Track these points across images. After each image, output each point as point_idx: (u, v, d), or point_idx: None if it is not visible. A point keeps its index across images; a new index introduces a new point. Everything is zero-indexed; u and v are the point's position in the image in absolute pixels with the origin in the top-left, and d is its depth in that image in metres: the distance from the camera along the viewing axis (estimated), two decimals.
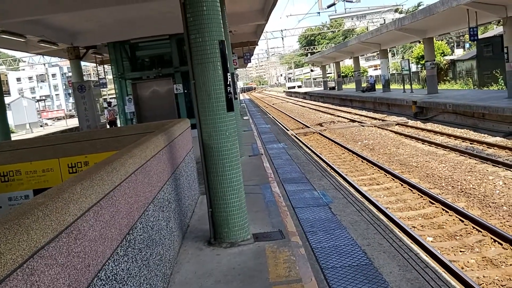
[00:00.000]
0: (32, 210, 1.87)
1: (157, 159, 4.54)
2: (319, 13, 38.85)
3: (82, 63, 19.21)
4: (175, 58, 16.68)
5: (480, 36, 22.12)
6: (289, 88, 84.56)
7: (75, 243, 2.18)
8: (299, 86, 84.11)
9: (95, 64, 25.19)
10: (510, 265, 5.94)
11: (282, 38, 50.43)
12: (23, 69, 76.10)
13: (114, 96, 21.34)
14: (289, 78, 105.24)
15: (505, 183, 9.43)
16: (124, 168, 3.26)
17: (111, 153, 5.77)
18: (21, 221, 1.74)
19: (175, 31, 15.74)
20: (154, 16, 14.14)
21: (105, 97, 35.66)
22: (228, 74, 5.21)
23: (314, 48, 74.48)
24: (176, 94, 16.72)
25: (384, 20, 49.17)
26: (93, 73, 59.41)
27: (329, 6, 32.74)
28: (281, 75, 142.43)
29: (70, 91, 79.91)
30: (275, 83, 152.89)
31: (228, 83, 5.18)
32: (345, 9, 38.14)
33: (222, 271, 4.48)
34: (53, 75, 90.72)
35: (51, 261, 1.90)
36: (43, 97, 71.24)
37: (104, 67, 24.20)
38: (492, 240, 6.75)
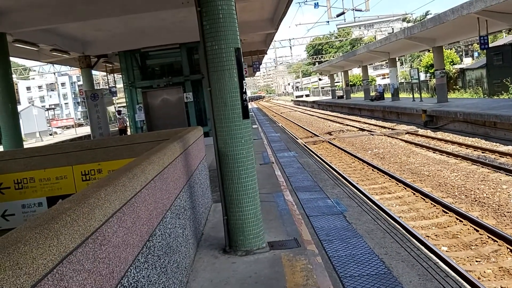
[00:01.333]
0: (61, 215, 1.85)
1: (173, 166, 4.53)
2: (328, 22, 39.02)
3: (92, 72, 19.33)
4: (185, 67, 16.77)
5: (490, 45, 22.02)
6: (297, 97, 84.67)
7: (100, 249, 2.16)
8: (307, 95, 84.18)
9: (104, 73, 25.41)
10: None
11: (290, 47, 50.59)
12: (33, 78, 76.87)
13: (124, 104, 21.46)
14: (297, 87, 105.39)
15: None
16: (144, 175, 3.25)
17: (125, 161, 5.79)
18: (50, 226, 1.73)
19: (186, 39, 15.84)
20: (165, 25, 14.26)
21: (114, 105, 35.86)
22: (244, 81, 5.20)
23: (321, 57, 74.60)
24: (186, 103, 16.78)
25: (393, 29, 49.19)
26: (102, 82, 59.83)
27: (338, 15, 32.79)
28: (289, 84, 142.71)
29: (79, 100, 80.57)
30: (283, 92, 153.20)
31: (244, 90, 5.17)
32: (354, 18, 38.26)
33: (239, 279, 4.43)
34: (63, 84, 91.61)
35: (78, 267, 1.88)
36: (53, 106, 71.73)
37: (114, 76, 24.37)
38: (509, 250, 6.64)
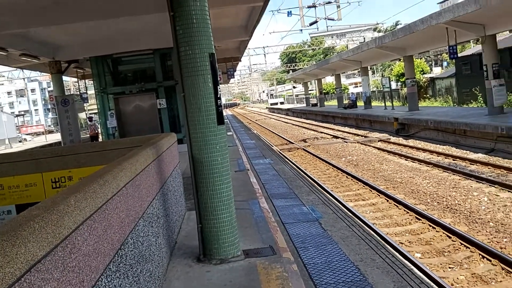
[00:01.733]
0: (28, 222, 1.77)
1: (146, 173, 4.44)
2: (301, 30, 39.36)
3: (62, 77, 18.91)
4: (159, 73, 16.60)
5: (458, 54, 22.64)
6: (271, 104, 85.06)
7: (70, 257, 2.07)
8: (282, 103, 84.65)
9: (75, 79, 24.93)
10: (500, 281, 5.94)
11: (265, 55, 50.88)
12: (2, 84, 74.85)
13: (96, 111, 21.09)
14: (272, 94, 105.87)
15: (490, 199, 9.52)
16: (116, 182, 3.16)
17: (96, 167, 5.64)
18: (18, 233, 1.64)
19: (159, 45, 15.69)
20: (138, 30, 14.09)
21: (85, 112, 35.20)
22: (219, 87, 5.15)
23: (295, 65, 75.24)
24: (159, 109, 16.60)
25: (364, 38, 50.05)
26: (73, 88, 58.74)
27: (311, 24, 33.11)
28: (263, 91, 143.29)
29: (49, 106, 78.82)
30: (257, 100, 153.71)
31: (219, 96, 5.13)
32: (326, 27, 38.69)
33: None
34: (32, 90, 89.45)
35: (47, 275, 1.79)
36: (22, 112, 69.99)
37: (85, 82, 23.91)
38: (481, 256, 6.75)
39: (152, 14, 10.81)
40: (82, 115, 20.64)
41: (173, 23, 5.05)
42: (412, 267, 5.24)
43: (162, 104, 16.59)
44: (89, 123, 22.91)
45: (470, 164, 13.46)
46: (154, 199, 4.72)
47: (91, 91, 19.69)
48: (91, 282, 2.34)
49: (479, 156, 14.61)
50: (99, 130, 19.82)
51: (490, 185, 10.62)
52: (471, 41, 36.88)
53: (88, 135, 21.55)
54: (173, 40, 5.08)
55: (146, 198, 4.26)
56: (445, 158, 14.93)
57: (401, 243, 7.62)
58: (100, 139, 21.02)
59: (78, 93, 23.23)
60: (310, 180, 11.85)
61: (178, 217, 6.51)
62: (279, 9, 32.57)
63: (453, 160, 14.41)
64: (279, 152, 18.78)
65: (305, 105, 58.43)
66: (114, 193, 3.05)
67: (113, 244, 2.90)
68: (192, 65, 5.00)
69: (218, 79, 5.28)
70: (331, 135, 25.61)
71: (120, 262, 3.01)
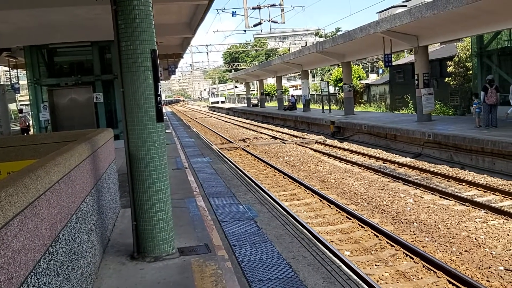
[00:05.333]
0: None
1: (80, 169, 4.35)
2: (245, 31, 39.55)
3: None
4: (97, 66, 16.13)
5: (393, 63, 23.86)
6: (212, 103, 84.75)
7: None
8: (223, 102, 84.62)
9: (6, 68, 23.59)
10: (421, 278, 6.36)
11: (207, 53, 50.68)
12: None
13: (28, 103, 20.08)
14: (213, 93, 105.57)
15: (415, 201, 10.13)
16: (48, 177, 3.09)
17: (27, 162, 5.43)
18: None
19: (98, 38, 15.24)
20: (77, 21, 13.56)
21: (16, 103, 33.34)
22: (159, 84, 5.14)
23: (238, 65, 75.52)
24: (96, 104, 16.12)
25: (306, 42, 51.17)
26: (4, 78, 55.36)
27: (255, 25, 33.44)
28: (205, 89, 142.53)
29: None
30: (198, 98, 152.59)
31: (159, 93, 5.11)
32: (270, 29, 39.14)
33: (147, 286, 4.35)
34: None
35: None
36: None
37: (17, 72, 22.69)
38: (405, 254, 7.19)
39: (94, 5, 10.47)
40: (13, 106, 19.58)
41: (115, 17, 4.97)
42: (341, 264, 5.50)
43: (99, 98, 16.12)
44: (19, 115, 21.78)
45: (399, 167, 14.21)
46: (88, 195, 4.64)
47: (24, 82, 18.74)
48: (20, 279, 2.29)
49: (407, 160, 15.47)
50: (31, 122, 18.90)
51: (415, 188, 11.29)
52: (405, 51, 38.80)
53: (19, 128, 20.49)
54: (115, 35, 5.00)
55: (79, 195, 4.18)
56: (376, 161, 15.66)
57: (332, 241, 7.94)
58: (31, 132, 20.03)
59: (9, 83, 21.98)
60: (248, 179, 12.00)
61: (112, 214, 6.40)
62: (224, 9, 32.68)
63: (384, 163, 15.14)
64: (218, 151, 18.82)
65: (246, 105, 58.79)
66: (46, 188, 2.99)
67: (44, 240, 2.85)
68: (133, 60, 4.96)
69: (159, 75, 5.26)
70: (270, 135, 26.00)
71: (50, 259, 2.95)
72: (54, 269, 3.01)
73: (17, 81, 21.32)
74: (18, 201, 2.37)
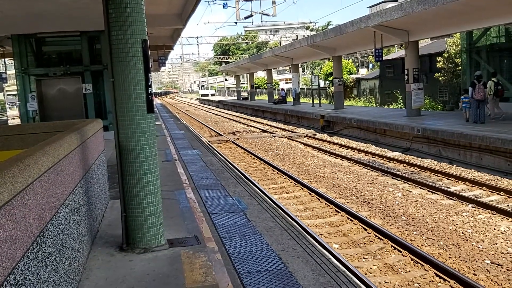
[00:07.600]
0: None
1: (69, 159, 4.30)
2: (236, 23, 39.23)
3: None
4: (86, 56, 15.95)
5: (383, 58, 23.92)
6: (202, 95, 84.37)
7: None
8: (213, 95, 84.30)
9: None
10: (409, 271, 6.42)
11: (198, 45, 50.36)
12: None
13: (15, 92, 19.83)
14: (203, 85, 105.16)
15: (404, 195, 10.21)
16: (37, 166, 3.05)
17: (15, 151, 5.35)
18: None
19: (88, 28, 15.03)
20: (65, 10, 13.36)
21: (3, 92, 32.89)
22: (150, 74, 5.09)
23: (228, 57, 75.24)
24: (85, 94, 15.96)
25: (297, 36, 51.10)
26: None
27: (246, 17, 33.29)
28: (195, 82, 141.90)
29: None
30: (188, 90, 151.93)
31: (150, 83, 5.07)
32: (261, 21, 38.97)
33: (136, 277, 4.33)
34: None
35: None
36: None
37: (5, 61, 22.38)
38: (393, 247, 7.25)
39: None
40: (0, 96, 19.31)
41: (105, 6, 4.90)
42: (330, 257, 5.52)
43: (88, 89, 15.96)
44: None
45: (388, 161, 14.30)
46: (77, 186, 4.59)
47: (11, 71, 18.48)
48: (7, 270, 2.26)
49: (396, 154, 15.57)
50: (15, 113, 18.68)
51: (404, 182, 11.38)
52: (396, 45, 38.97)
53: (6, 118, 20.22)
54: (105, 24, 4.94)
55: (68, 185, 4.13)
56: (366, 155, 15.73)
57: (321, 234, 7.98)
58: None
59: None
60: (238, 172, 12.01)
61: (101, 205, 6.36)
62: (215, 0, 32.43)
63: (373, 157, 15.23)
64: (208, 143, 18.78)
65: (236, 98, 58.71)
66: (35, 178, 2.95)
67: (32, 231, 2.81)
68: (123, 50, 4.90)
69: (150, 66, 5.21)
70: (260, 129, 25.99)
71: (38, 250, 2.92)
72: (42, 259, 2.98)
73: (4, 71, 21.02)
74: (6, 190, 2.33)
